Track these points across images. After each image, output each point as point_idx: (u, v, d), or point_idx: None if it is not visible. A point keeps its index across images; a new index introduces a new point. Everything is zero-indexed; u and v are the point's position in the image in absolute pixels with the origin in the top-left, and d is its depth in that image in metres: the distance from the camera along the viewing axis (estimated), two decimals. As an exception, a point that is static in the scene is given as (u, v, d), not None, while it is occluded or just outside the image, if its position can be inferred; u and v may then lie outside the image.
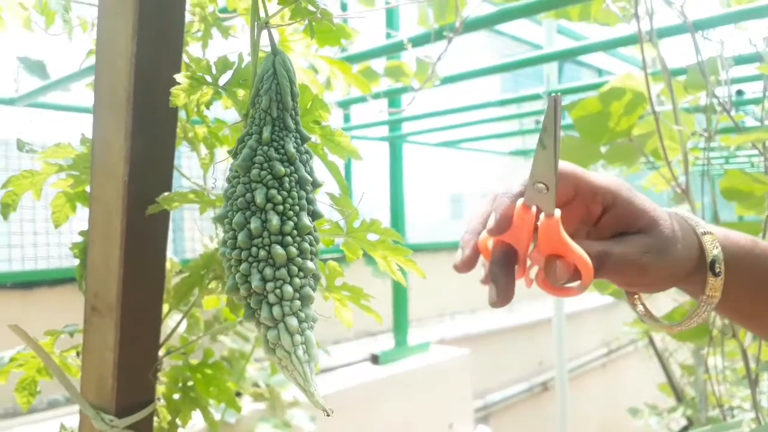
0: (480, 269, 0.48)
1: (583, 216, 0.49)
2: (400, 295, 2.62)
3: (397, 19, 2.17)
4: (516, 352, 3.82)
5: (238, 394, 1.33)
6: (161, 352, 0.65)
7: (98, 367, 0.60)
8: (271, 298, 0.40)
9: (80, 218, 0.71)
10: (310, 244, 0.43)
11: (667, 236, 0.47)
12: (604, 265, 0.46)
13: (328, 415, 0.38)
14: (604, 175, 0.49)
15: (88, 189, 0.66)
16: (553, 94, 0.43)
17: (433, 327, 3.51)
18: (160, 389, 0.71)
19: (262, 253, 0.40)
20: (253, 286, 0.40)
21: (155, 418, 0.68)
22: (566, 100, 1.82)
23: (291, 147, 0.43)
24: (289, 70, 0.46)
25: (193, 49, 0.70)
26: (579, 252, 0.44)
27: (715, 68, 1.16)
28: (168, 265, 0.68)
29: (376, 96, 1.78)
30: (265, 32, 0.48)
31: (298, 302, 0.40)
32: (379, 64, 1.69)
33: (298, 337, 0.39)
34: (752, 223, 1.25)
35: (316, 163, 0.48)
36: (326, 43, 0.65)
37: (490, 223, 0.45)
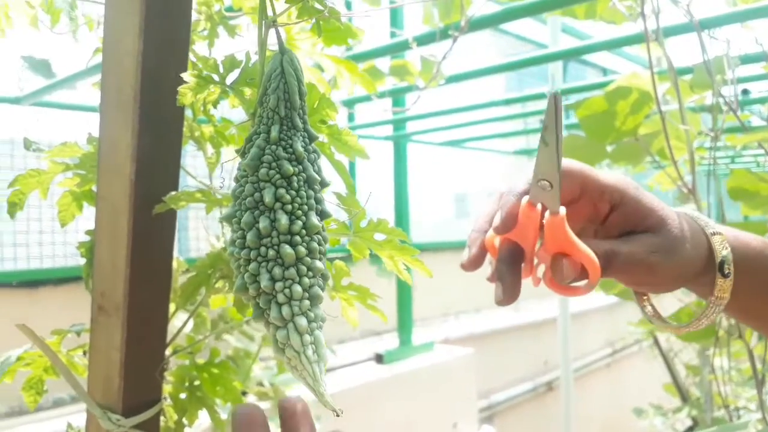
0: (486, 268, 0.48)
1: (591, 214, 0.49)
2: (404, 294, 2.61)
3: (401, 17, 2.17)
4: (521, 351, 3.81)
5: (244, 393, 1.33)
6: (168, 352, 0.65)
7: (105, 367, 0.60)
8: (281, 297, 0.39)
9: (85, 217, 0.71)
10: (319, 244, 0.42)
11: (675, 236, 0.47)
12: (611, 264, 0.45)
13: (337, 416, 0.38)
14: (611, 174, 0.48)
15: (94, 188, 0.66)
16: (552, 92, 0.43)
17: (437, 326, 3.51)
18: (167, 389, 0.71)
19: (271, 252, 0.40)
20: (262, 286, 0.40)
21: (162, 418, 0.68)
22: (571, 100, 1.82)
23: (299, 146, 0.43)
24: (296, 69, 0.45)
25: (199, 47, 0.70)
26: (586, 250, 0.44)
27: (722, 67, 1.16)
28: (174, 264, 0.68)
29: (381, 95, 1.78)
30: (272, 31, 0.48)
31: (307, 302, 0.40)
32: (382, 63, 1.69)
33: (307, 337, 0.39)
34: (758, 223, 1.24)
35: (322, 163, 0.48)
36: (333, 43, 0.65)
37: (496, 221, 0.45)
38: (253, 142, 0.44)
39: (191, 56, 0.62)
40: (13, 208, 0.67)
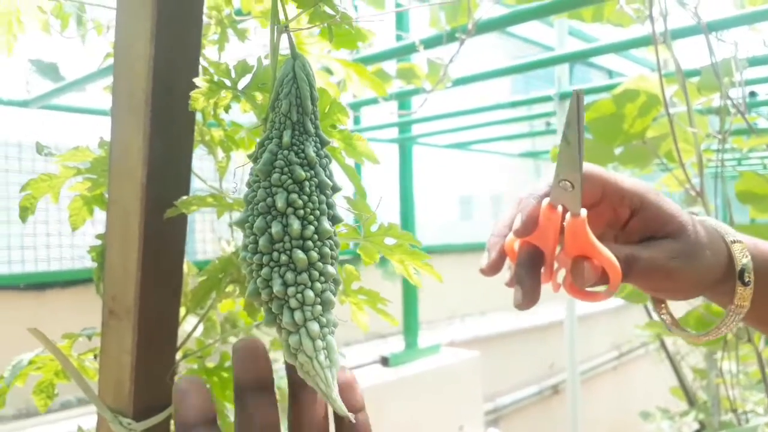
0: (504, 272, 0.48)
1: (611, 219, 0.49)
2: (410, 297, 2.62)
3: (407, 21, 2.17)
4: (527, 354, 3.81)
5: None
6: (178, 356, 0.65)
7: (116, 371, 0.61)
8: (293, 302, 0.39)
9: (94, 220, 0.71)
10: (331, 249, 0.42)
11: (695, 242, 0.47)
12: (631, 269, 0.45)
13: (350, 421, 0.38)
14: (631, 179, 0.48)
15: (105, 192, 0.66)
16: (576, 90, 0.42)
17: (443, 329, 3.51)
18: (176, 392, 0.71)
19: (284, 257, 0.40)
20: (274, 291, 0.39)
21: (172, 422, 0.68)
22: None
23: (311, 151, 0.43)
24: (308, 74, 0.45)
25: (209, 52, 0.70)
26: (606, 254, 0.44)
27: (729, 70, 1.15)
28: (185, 268, 0.68)
29: (387, 98, 1.78)
30: (283, 36, 0.48)
31: (319, 307, 0.40)
32: (388, 66, 1.69)
33: (319, 342, 0.39)
34: (765, 226, 1.24)
35: (333, 167, 0.48)
36: (343, 46, 0.65)
37: (516, 223, 0.45)
38: (266, 147, 0.44)
39: (202, 61, 0.62)
40: (25, 212, 0.67)
